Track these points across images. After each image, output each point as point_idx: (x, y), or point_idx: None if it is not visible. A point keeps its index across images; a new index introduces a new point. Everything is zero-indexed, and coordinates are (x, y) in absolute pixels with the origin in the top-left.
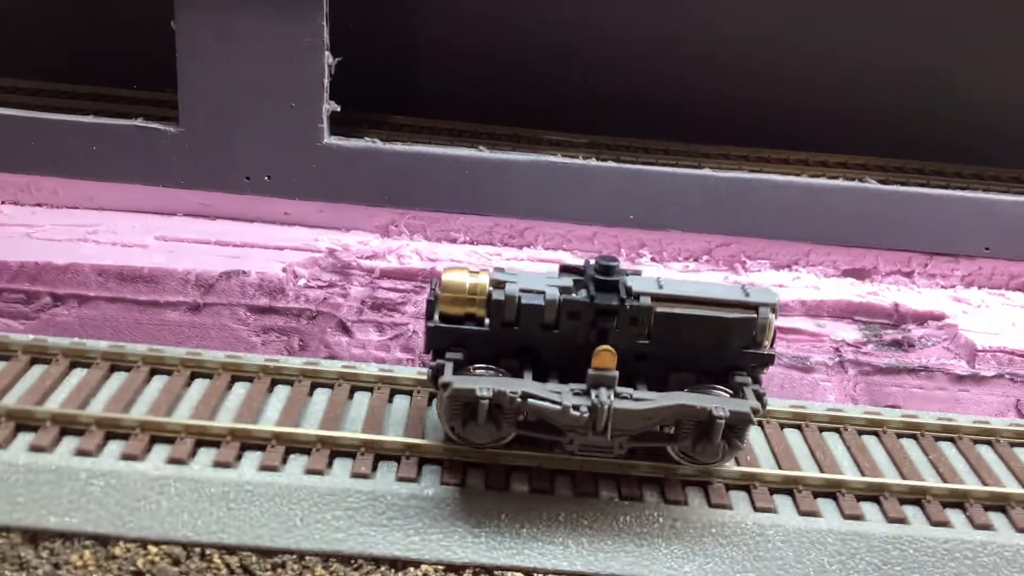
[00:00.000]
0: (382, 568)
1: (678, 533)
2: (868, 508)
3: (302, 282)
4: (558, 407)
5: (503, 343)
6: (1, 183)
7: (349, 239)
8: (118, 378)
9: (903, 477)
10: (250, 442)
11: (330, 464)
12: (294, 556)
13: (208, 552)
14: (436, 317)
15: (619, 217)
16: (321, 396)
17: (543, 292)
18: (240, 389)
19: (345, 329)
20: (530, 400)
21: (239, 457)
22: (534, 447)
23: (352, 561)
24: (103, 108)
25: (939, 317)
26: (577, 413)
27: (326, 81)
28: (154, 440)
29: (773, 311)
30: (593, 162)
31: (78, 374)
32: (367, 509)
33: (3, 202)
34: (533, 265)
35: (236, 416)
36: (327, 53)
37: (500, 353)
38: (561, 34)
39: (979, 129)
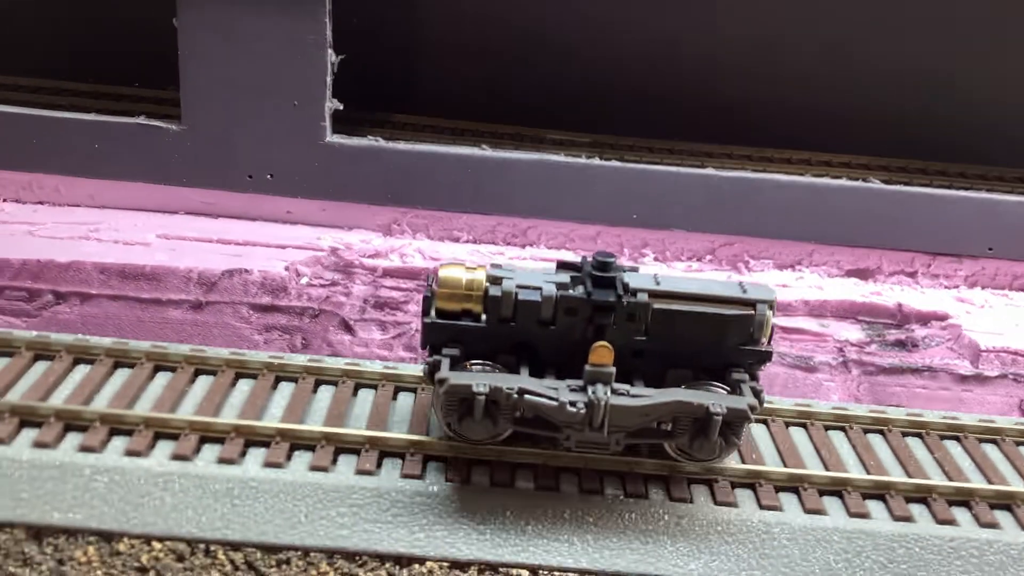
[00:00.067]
0: (387, 565)
1: (683, 531)
2: (874, 506)
3: (304, 280)
4: (555, 403)
5: (500, 339)
6: (3, 181)
7: (352, 238)
8: (122, 374)
9: (909, 475)
10: (254, 438)
11: (335, 461)
12: (299, 552)
13: (212, 548)
14: (432, 313)
15: (622, 216)
16: (325, 393)
17: (540, 288)
18: (244, 386)
19: (348, 328)
20: (527, 396)
21: (243, 453)
22: (537, 444)
23: (357, 558)
24: (105, 106)
25: (943, 317)
26: (574, 409)
27: (329, 79)
28: (158, 436)
29: (771, 308)
30: (596, 161)
31: (81, 370)
32: (372, 506)
33: (5, 200)
34: (535, 264)
35: (240, 413)
36: (330, 51)
37: (497, 349)
38: (564, 33)
39: (980, 129)
